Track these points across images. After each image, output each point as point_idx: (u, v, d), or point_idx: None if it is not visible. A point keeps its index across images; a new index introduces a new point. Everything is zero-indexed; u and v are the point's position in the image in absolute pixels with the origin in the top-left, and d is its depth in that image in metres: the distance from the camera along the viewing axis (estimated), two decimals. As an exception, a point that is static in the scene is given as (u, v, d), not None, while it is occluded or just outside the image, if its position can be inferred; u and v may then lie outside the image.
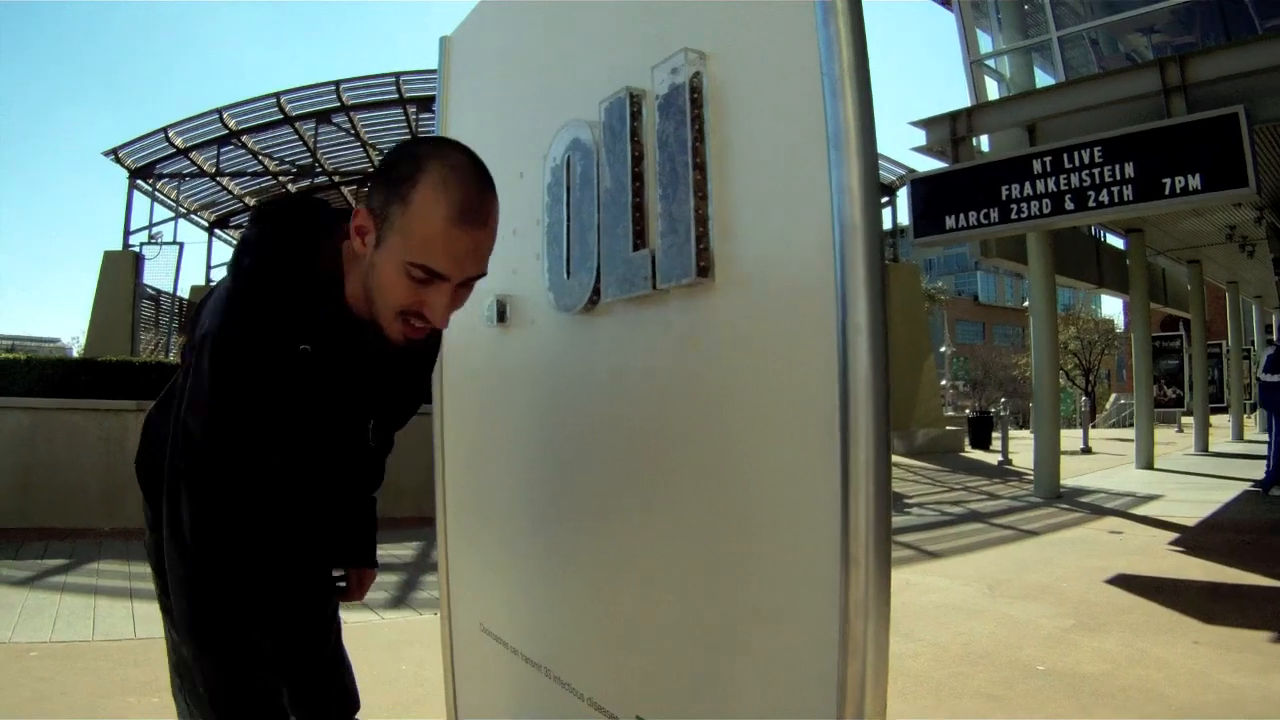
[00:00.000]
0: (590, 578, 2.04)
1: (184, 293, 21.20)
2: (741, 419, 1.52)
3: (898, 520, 9.78)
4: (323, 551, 1.93)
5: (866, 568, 1.25)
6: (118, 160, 18.43)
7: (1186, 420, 24.15)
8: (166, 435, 1.65)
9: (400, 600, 6.22)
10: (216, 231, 23.17)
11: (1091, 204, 10.04)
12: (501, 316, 2.39)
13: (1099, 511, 10.47)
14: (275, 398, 1.56)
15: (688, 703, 1.68)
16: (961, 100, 13.05)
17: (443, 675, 2.91)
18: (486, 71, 2.65)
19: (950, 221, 11.25)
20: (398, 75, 17.44)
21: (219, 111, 18.04)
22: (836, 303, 1.26)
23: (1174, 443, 21.14)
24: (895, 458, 17.23)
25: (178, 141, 18.26)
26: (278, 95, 18.04)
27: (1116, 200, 9.82)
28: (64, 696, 4.05)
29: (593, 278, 1.88)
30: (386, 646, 5.04)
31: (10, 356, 10.20)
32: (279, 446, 1.61)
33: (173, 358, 16.70)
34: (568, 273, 1.99)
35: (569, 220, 1.99)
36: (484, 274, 1.61)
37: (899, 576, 6.69)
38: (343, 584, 2.16)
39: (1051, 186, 10.38)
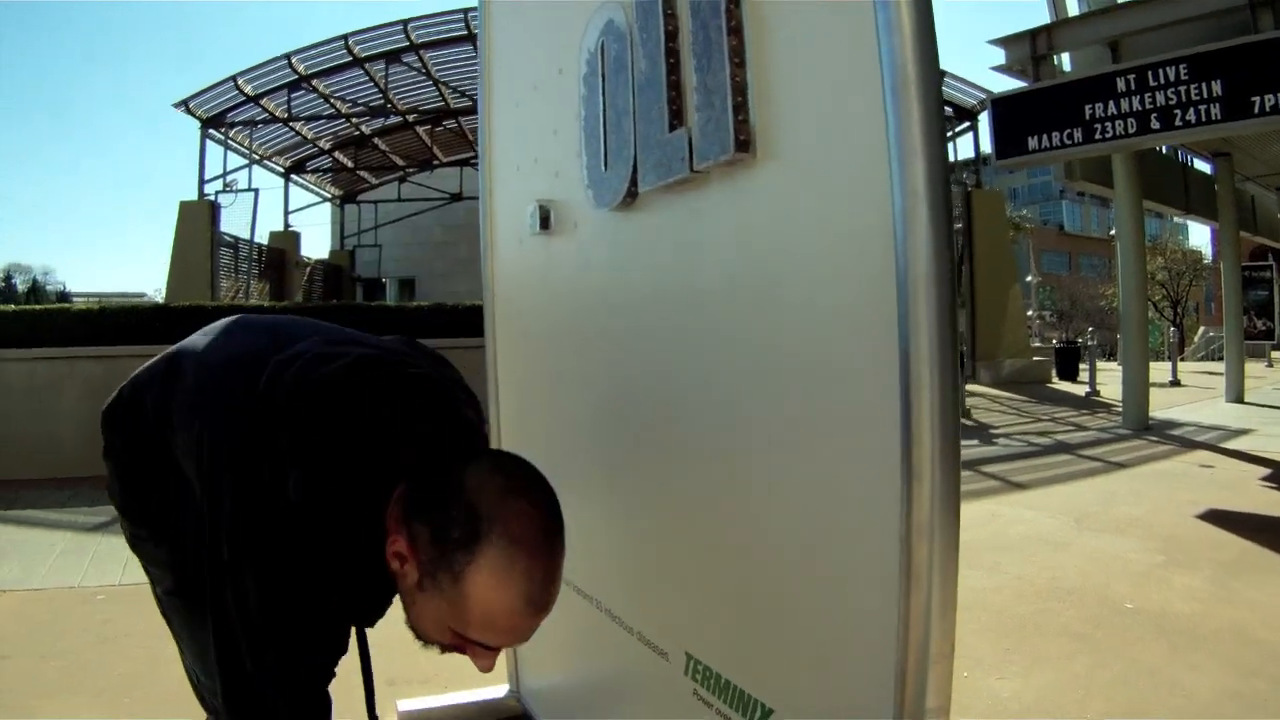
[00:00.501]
0: (639, 507, 1.92)
1: (261, 238, 21.36)
2: (793, 316, 1.37)
3: (984, 451, 9.56)
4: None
5: (932, 483, 1.09)
6: (189, 111, 18.53)
7: (1277, 354, 23.35)
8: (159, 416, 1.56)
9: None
10: (292, 176, 23.35)
11: (1178, 123, 9.57)
12: (545, 223, 2.26)
13: (1189, 445, 10.07)
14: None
15: (739, 637, 1.56)
16: (1041, 17, 12.59)
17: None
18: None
19: (1032, 142, 10.85)
20: (466, 11, 17.20)
21: (287, 57, 18.02)
22: (890, 167, 1.09)
23: (1264, 377, 20.36)
24: (981, 388, 16.97)
25: (248, 89, 18.28)
26: (345, 38, 17.98)
27: (1204, 119, 9.36)
28: (127, 638, 4.08)
29: (629, 167, 1.73)
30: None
31: (85, 307, 10.30)
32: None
33: (254, 301, 16.95)
34: (605, 165, 1.85)
35: (605, 110, 1.85)
36: None
37: (985, 507, 6.53)
38: None
39: (1136, 105, 9.93)
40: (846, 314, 1.24)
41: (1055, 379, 19.58)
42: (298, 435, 1.35)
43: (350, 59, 18.44)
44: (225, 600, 1.34)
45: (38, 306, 11.65)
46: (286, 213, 22.86)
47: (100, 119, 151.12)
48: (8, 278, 59.14)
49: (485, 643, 1.30)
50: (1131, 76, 9.98)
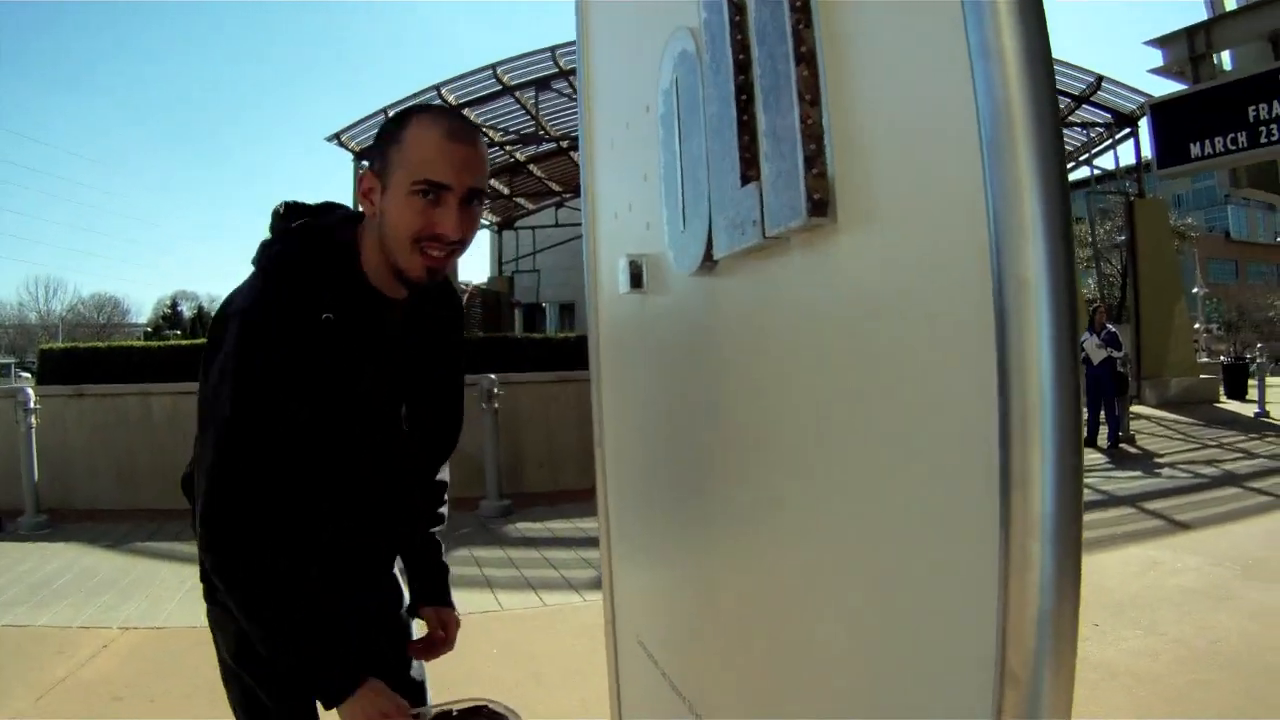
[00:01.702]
0: (734, 595, 1.63)
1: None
2: (883, 428, 1.06)
3: (1146, 484, 8.98)
4: (358, 539, 1.95)
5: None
6: (341, 144, 19.04)
7: None
8: None
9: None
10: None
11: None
12: (637, 281, 1.99)
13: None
14: (300, 363, 1.63)
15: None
16: (1200, 14, 11.79)
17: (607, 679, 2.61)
18: (621, 24, 2.27)
19: (1195, 149, 10.16)
20: (614, 35, 17.25)
21: (437, 88, 18.35)
22: (990, 244, 0.79)
23: None
24: (1146, 409, 16.05)
25: (401, 121, 18.69)
26: (494, 66, 18.23)
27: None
28: None
29: (705, 227, 1.45)
30: (584, 631, 4.84)
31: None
32: (304, 414, 1.66)
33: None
34: (683, 222, 1.58)
35: (680, 157, 1.57)
36: (484, 191, 1.72)
37: (1144, 554, 6.03)
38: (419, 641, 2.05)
39: (1306, 104, 9.18)
40: (941, 428, 0.93)
41: (1223, 398, 18.38)
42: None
43: (500, 87, 18.70)
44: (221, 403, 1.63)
45: (186, 341, 12.17)
46: (444, 243, 23.28)
47: (257, 150, 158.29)
48: (174, 305, 62.42)
49: (432, 178, 1.60)
50: (1298, 73, 9.25)
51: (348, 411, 1.74)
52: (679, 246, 1.61)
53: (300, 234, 1.76)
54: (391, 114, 1.79)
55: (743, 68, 1.28)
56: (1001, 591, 0.81)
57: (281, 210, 1.82)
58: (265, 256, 1.74)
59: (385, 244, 1.68)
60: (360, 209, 1.77)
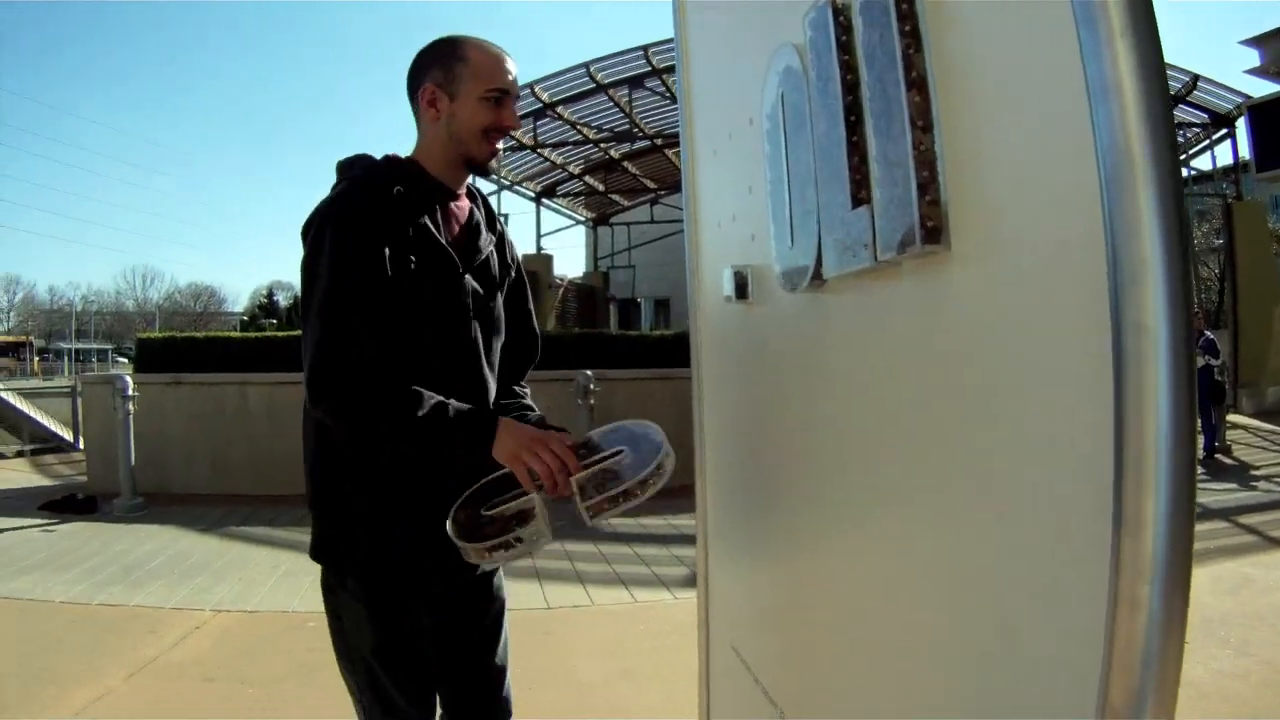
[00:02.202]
0: (832, 606, 1.63)
1: (514, 261, 21.98)
2: (990, 439, 1.05)
3: (1241, 497, 8.61)
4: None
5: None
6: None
7: None
8: None
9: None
10: (543, 201, 23.99)
11: None
12: (742, 292, 2.00)
13: None
14: (382, 230, 1.94)
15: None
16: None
17: (697, 686, 2.61)
18: (718, 24, 2.27)
19: (1295, 152, 9.72)
20: (706, 35, 17.17)
21: (530, 86, 18.45)
22: (1110, 293, 0.79)
23: None
24: (1243, 419, 15.39)
25: (495, 118, 18.81)
26: (587, 65, 18.28)
27: None
28: (326, 670, 4.11)
29: (814, 244, 1.45)
30: (675, 629, 4.83)
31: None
32: (392, 278, 1.93)
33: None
34: (791, 240, 1.58)
35: (789, 174, 1.58)
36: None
37: (1237, 570, 5.79)
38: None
39: None
40: (1050, 466, 0.93)
41: None
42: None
43: (593, 85, 18.76)
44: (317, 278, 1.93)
45: (283, 333, 12.43)
46: (539, 236, 23.49)
47: (344, 144, 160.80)
48: (270, 294, 63.62)
49: (501, 86, 2.07)
50: None
51: (426, 278, 2.01)
52: (787, 262, 1.62)
53: (365, 155, 2.13)
54: (431, 44, 2.13)
55: (851, 88, 1.28)
56: (1108, 631, 0.81)
57: (342, 161, 2.15)
58: (344, 173, 2.10)
59: (457, 138, 2.07)
60: (419, 119, 2.14)
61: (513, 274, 2.32)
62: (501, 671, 2.25)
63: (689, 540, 7.00)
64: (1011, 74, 0.98)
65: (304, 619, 5.07)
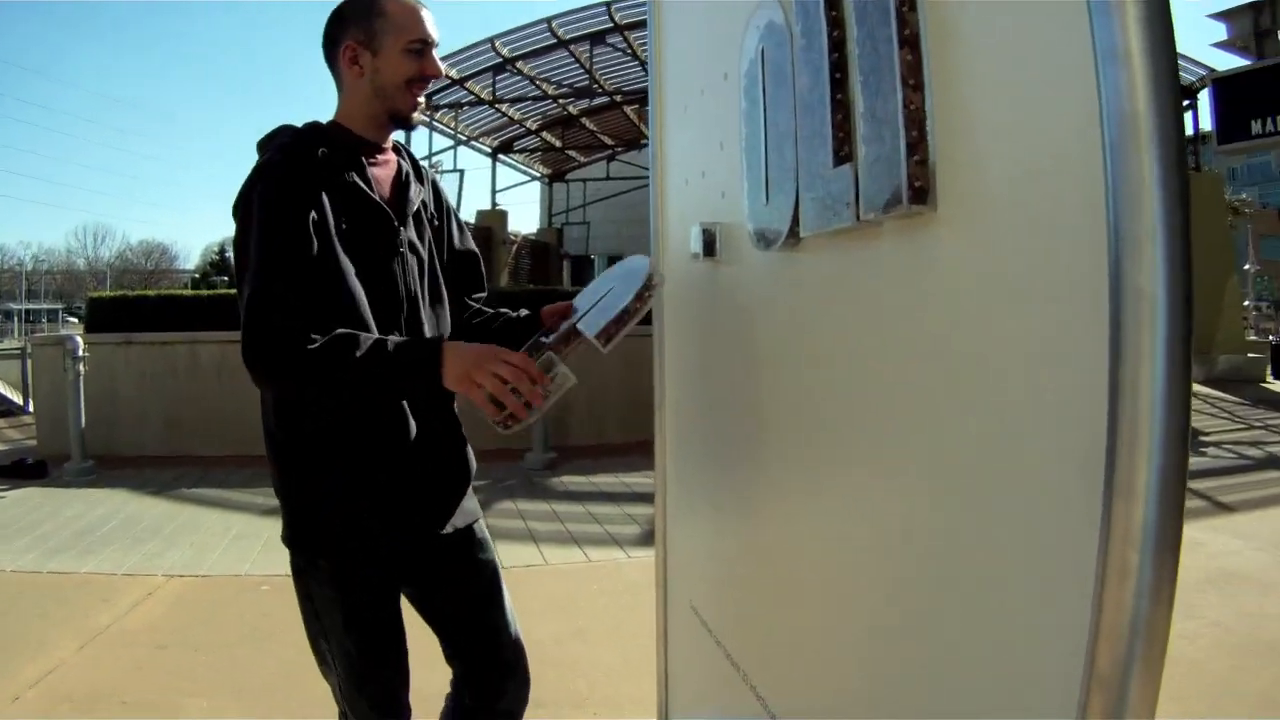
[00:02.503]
0: (798, 569, 1.62)
1: (469, 217, 21.77)
2: (977, 403, 1.04)
3: (1191, 462, 8.74)
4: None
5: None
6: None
7: None
8: None
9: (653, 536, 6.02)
10: (500, 156, 23.77)
11: None
12: (710, 249, 1.99)
13: None
14: (311, 193, 1.90)
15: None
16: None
17: (655, 646, 2.61)
18: None
19: (1256, 126, 9.84)
20: (669, -10, 17.01)
21: (490, 41, 18.23)
22: (1110, 258, 0.78)
23: None
24: (1193, 386, 15.61)
25: (452, 73, 18.51)
26: (549, 20, 18.04)
27: None
28: (281, 635, 4.16)
29: (791, 203, 1.43)
30: (628, 589, 4.84)
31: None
32: (324, 241, 1.89)
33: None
34: (766, 197, 1.56)
35: (765, 131, 1.55)
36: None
37: (1187, 534, 5.83)
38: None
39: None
40: (1040, 431, 0.92)
41: (1269, 378, 17.94)
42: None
43: (554, 41, 18.54)
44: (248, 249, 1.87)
45: (230, 290, 12.27)
46: (494, 191, 23.29)
47: (302, 99, 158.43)
48: (221, 251, 62.52)
49: (423, 37, 2.04)
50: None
51: (364, 237, 1.99)
52: (760, 220, 1.60)
53: (286, 125, 2.09)
54: (345, 2, 2.10)
55: (838, 44, 1.26)
56: (1097, 596, 0.81)
57: (263, 137, 2.11)
58: (264, 147, 2.06)
59: (381, 92, 2.05)
60: (340, 78, 2.10)
61: (448, 220, 2.32)
62: (508, 634, 2.20)
63: (642, 498, 7.06)
64: (1012, 35, 0.96)
65: (257, 583, 5.04)
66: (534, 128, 23.17)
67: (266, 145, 2.05)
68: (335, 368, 1.78)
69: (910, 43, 1.08)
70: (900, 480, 1.22)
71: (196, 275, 60.51)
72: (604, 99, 21.25)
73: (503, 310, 2.38)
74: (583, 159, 26.62)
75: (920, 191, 1.06)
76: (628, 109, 21.67)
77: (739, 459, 1.95)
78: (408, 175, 2.17)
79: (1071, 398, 0.85)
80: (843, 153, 1.25)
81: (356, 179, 2.01)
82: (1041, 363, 0.91)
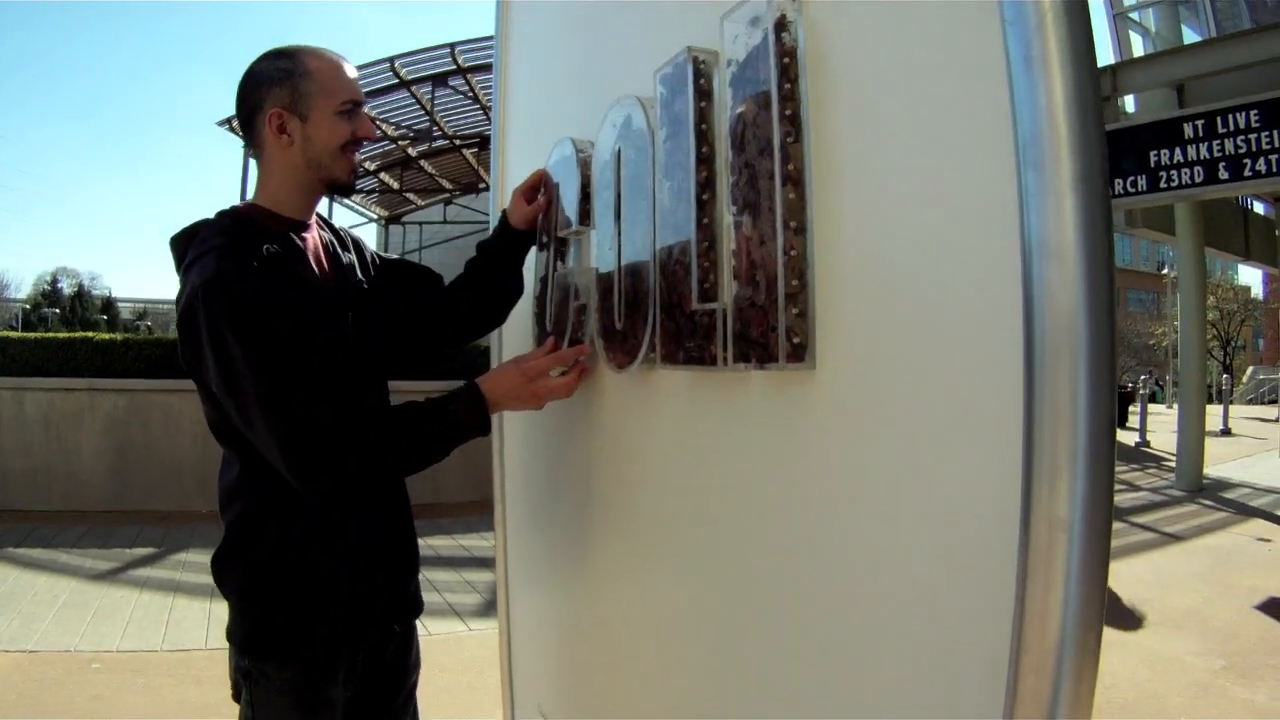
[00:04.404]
0: (655, 674, 1.50)
1: (303, 257, 21.29)
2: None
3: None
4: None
5: None
6: (232, 130, 18.32)
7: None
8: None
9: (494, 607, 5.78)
10: (336, 198, 23.25)
11: (1248, 173, 9.04)
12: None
13: (1244, 511, 9.53)
14: (274, 293, 1.69)
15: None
16: (1105, 58, 12.05)
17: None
18: (542, 34, 2.15)
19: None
20: (513, 36, 17.01)
21: (329, 80, 17.89)
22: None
23: (1321, 425, 19.63)
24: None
25: (289, 110, 18.16)
26: (392, 60, 17.69)
27: (1276, 170, 8.84)
28: (117, 718, 3.90)
29: (647, 334, 1.31)
30: (469, 666, 4.60)
31: (108, 338, 10.27)
32: (304, 336, 1.71)
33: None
34: (618, 315, 1.43)
35: (620, 243, 1.43)
36: None
37: None
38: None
39: (1204, 153, 9.42)
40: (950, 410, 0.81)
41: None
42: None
43: (396, 81, 18.23)
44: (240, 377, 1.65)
45: (64, 334, 11.60)
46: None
47: (151, 129, 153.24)
48: (54, 281, 59.68)
49: (353, 97, 1.83)
50: (1200, 122, 9.51)
51: (331, 321, 1.83)
52: (613, 340, 1.49)
53: (204, 221, 1.88)
54: (262, 62, 1.91)
55: (704, 162, 1.15)
56: (1020, 589, 0.74)
57: (177, 235, 1.90)
58: (194, 247, 1.80)
59: (315, 162, 1.85)
60: (262, 148, 1.90)
61: (371, 268, 2.14)
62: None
63: (482, 563, 6.76)
64: (900, 158, 0.86)
65: (88, 660, 4.64)
66: (372, 168, 22.76)
67: (190, 246, 1.82)
68: (411, 446, 1.76)
69: (793, 180, 0.96)
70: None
71: (28, 306, 57.29)
72: (444, 141, 21.03)
73: (471, 263, 2.17)
74: (420, 201, 26.28)
75: (799, 346, 0.94)
76: (467, 152, 21.47)
77: (587, 549, 1.87)
78: (333, 247, 2.01)
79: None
80: (706, 292, 1.13)
81: (303, 270, 1.85)
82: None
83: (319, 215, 2.02)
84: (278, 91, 1.84)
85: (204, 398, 1.81)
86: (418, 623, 2.04)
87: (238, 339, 1.65)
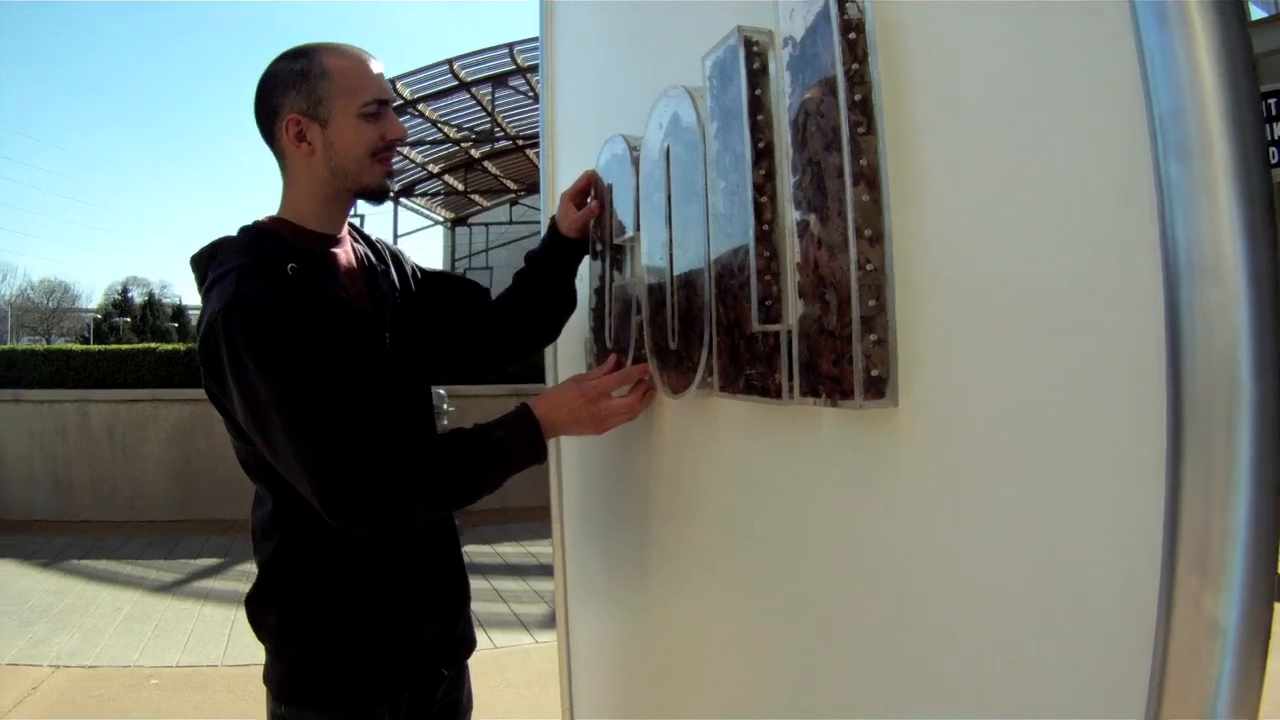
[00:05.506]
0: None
1: (371, 262, 21.49)
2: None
3: None
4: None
5: None
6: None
7: None
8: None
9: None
10: (401, 200, 23.39)
11: None
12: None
13: None
14: (298, 316, 1.57)
15: None
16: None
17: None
18: (588, 24, 2.01)
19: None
20: (573, 34, 16.95)
21: (392, 82, 17.88)
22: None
23: None
24: None
25: (353, 116, 18.29)
26: (450, 62, 17.72)
27: None
28: None
29: (704, 356, 1.16)
30: (535, 680, 4.49)
31: (171, 348, 10.41)
32: (333, 358, 1.59)
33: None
34: (672, 334, 1.28)
35: (672, 252, 1.28)
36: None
37: None
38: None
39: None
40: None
41: None
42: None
43: (456, 83, 18.27)
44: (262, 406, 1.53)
45: (124, 346, 11.79)
46: (395, 236, 22.89)
47: (217, 140, 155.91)
48: (125, 291, 60.87)
49: (377, 96, 1.66)
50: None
51: (364, 342, 1.71)
52: (666, 360, 1.34)
53: (226, 239, 1.75)
54: (277, 65, 1.72)
55: (763, 155, 0.99)
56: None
57: (198, 254, 1.80)
58: (215, 268, 1.69)
59: (341, 170, 1.69)
60: (284, 158, 1.74)
61: (415, 289, 1.97)
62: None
63: (549, 572, 6.58)
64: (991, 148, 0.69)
65: (147, 676, 4.64)
66: (436, 171, 22.84)
67: (210, 265, 1.70)
68: (465, 476, 1.62)
69: (866, 178, 0.80)
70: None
71: (99, 315, 58.69)
72: (506, 142, 21.02)
73: (518, 275, 2.04)
74: (485, 203, 26.34)
75: (877, 381, 0.78)
76: (530, 152, 21.44)
77: (645, 575, 1.77)
78: (368, 261, 1.85)
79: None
80: (768, 312, 0.97)
81: (332, 288, 1.70)
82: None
83: (352, 226, 1.88)
84: (294, 96, 1.68)
85: (231, 430, 1.67)
86: (485, 634, 1.91)
87: (259, 366, 1.54)
